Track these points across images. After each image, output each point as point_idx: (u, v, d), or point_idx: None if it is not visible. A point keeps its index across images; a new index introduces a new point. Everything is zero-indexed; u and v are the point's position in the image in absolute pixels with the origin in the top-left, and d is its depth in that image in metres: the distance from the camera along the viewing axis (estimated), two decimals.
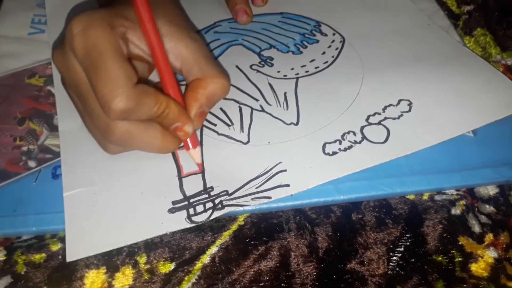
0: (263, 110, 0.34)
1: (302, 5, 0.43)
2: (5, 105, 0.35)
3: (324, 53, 0.39)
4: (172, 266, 0.28)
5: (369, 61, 0.38)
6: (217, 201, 0.29)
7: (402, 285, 0.27)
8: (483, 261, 0.28)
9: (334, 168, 0.30)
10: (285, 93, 0.36)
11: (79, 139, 0.32)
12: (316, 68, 0.37)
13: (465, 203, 0.31)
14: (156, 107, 0.27)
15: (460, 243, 0.29)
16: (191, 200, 0.29)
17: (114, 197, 0.29)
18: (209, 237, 0.29)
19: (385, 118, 0.33)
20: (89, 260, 0.28)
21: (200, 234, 0.29)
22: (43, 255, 0.28)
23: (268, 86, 0.36)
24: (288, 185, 0.30)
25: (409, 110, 0.34)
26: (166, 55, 0.28)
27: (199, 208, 0.29)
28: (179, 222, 0.28)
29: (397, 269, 0.28)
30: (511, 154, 0.32)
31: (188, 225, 0.28)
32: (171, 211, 0.29)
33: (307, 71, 0.37)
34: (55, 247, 0.29)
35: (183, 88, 0.33)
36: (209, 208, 0.29)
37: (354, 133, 0.32)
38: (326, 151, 0.31)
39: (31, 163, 0.32)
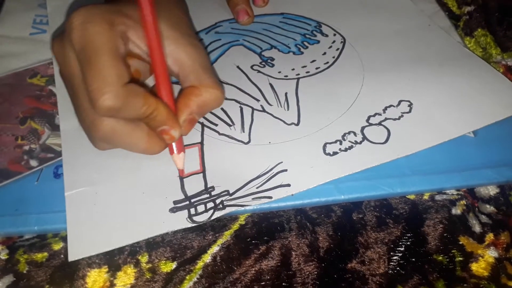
0: (264, 110, 0.35)
1: (303, 6, 0.43)
2: (7, 105, 0.36)
3: (324, 53, 0.39)
4: (173, 265, 0.28)
5: (369, 61, 0.38)
6: (218, 201, 0.29)
7: (402, 285, 0.27)
8: (483, 261, 0.28)
9: (334, 168, 0.31)
10: (286, 94, 0.36)
11: (81, 139, 0.32)
12: (316, 68, 0.38)
13: (465, 203, 0.31)
14: (144, 108, 0.27)
15: (460, 242, 0.29)
16: (192, 200, 0.29)
17: (115, 196, 0.29)
18: (210, 237, 0.29)
19: (386, 119, 0.33)
20: (91, 259, 0.28)
21: (201, 234, 0.29)
22: (45, 254, 0.29)
23: (269, 87, 0.36)
24: (289, 185, 0.30)
25: (410, 111, 0.34)
26: (165, 58, 0.28)
27: (200, 208, 0.29)
28: (181, 221, 0.28)
29: (398, 268, 0.28)
30: (511, 155, 0.32)
31: (189, 225, 0.28)
32: (173, 210, 0.29)
33: (308, 72, 0.37)
34: (57, 246, 0.29)
35: (176, 88, 0.33)
36: (210, 208, 0.29)
37: (355, 134, 0.33)
38: (327, 151, 0.32)
39: (33, 163, 0.32)
